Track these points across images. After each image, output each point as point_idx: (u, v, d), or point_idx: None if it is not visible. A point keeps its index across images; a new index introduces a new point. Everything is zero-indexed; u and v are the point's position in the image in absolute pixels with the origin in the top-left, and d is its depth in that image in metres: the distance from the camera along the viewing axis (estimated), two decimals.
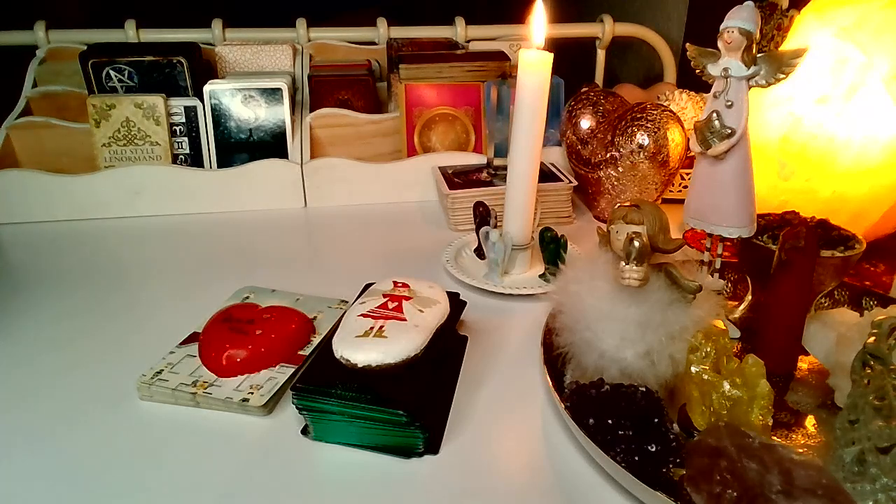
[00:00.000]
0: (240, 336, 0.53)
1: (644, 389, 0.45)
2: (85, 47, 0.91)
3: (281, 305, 0.60)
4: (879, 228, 0.70)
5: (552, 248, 0.67)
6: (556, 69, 0.66)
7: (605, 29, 1.20)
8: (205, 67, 0.97)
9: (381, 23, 1.12)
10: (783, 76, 0.51)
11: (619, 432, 0.43)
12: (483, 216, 0.69)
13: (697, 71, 0.55)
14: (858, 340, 0.45)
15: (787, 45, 0.74)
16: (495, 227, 0.68)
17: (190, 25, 1.08)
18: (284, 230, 0.83)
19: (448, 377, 0.54)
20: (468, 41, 1.13)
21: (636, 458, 0.41)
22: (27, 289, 0.68)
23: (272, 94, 0.89)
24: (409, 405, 0.44)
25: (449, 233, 0.81)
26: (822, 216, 0.58)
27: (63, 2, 1.55)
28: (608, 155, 0.79)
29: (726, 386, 0.44)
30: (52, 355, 0.57)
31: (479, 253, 0.71)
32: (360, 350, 0.46)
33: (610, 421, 0.43)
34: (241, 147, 0.91)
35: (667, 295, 0.47)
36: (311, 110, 0.94)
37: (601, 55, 1.24)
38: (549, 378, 0.50)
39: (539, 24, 0.62)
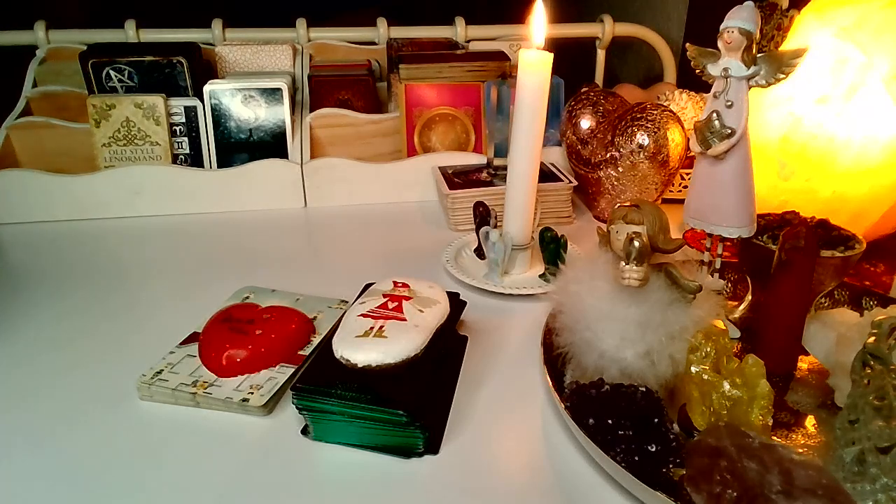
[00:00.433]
0: (240, 336, 0.53)
1: (644, 389, 0.45)
2: (85, 47, 0.91)
3: (281, 305, 0.60)
4: (879, 228, 0.70)
5: (552, 248, 0.67)
6: (556, 69, 0.66)
7: (605, 29, 1.20)
8: (205, 67, 0.97)
9: (381, 23, 1.12)
10: (783, 76, 0.51)
11: (619, 432, 0.43)
12: (483, 216, 0.69)
13: (697, 71, 0.55)
14: (858, 340, 0.45)
15: (787, 45, 0.74)
16: (495, 227, 0.68)
17: (190, 25, 1.08)
18: (284, 230, 0.83)
19: (448, 377, 0.54)
20: (468, 41, 1.13)
21: (636, 458, 0.41)
22: (27, 289, 0.68)
23: (272, 94, 0.89)
24: (409, 405, 0.44)
25: (449, 233, 0.81)
26: (822, 216, 0.58)
27: (63, 2, 1.55)
28: (608, 155, 0.79)
29: (726, 386, 0.44)
30: (52, 355, 0.57)
31: (479, 253, 0.72)
32: (360, 350, 0.46)
33: (610, 421, 0.43)
34: (241, 147, 0.91)
35: (667, 295, 0.47)
36: (311, 110, 0.94)
37: (601, 55, 1.24)
38: (549, 378, 0.50)
39: (539, 24, 0.62)
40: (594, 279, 0.49)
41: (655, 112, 0.77)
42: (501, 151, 0.82)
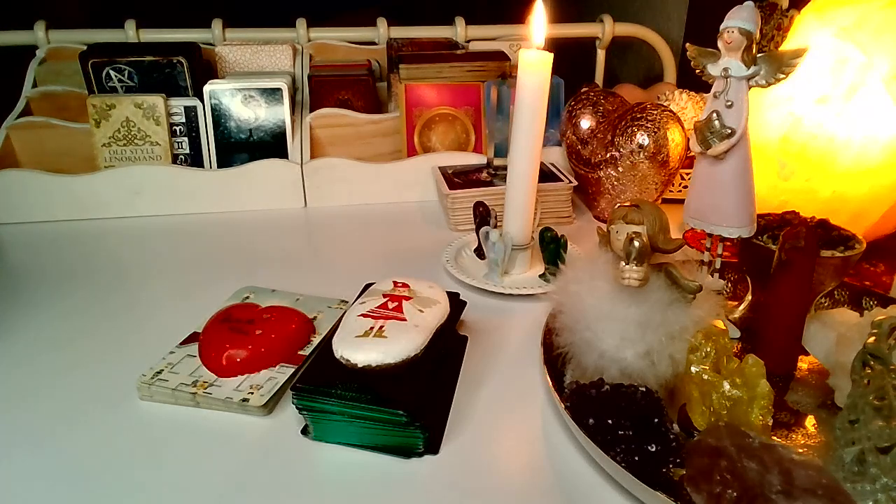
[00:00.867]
0: (240, 336, 0.53)
1: (644, 389, 0.45)
2: (85, 47, 0.91)
3: (281, 305, 0.60)
4: (879, 228, 0.70)
5: (552, 248, 0.67)
6: (556, 69, 0.66)
7: (605, 29, 1.20)
8: (205, 67, 0.97)
9: (381, 23, 1.12)
10: (783, 76, 0.51)
11: (619, 432, 0.43)
12: (483, 216, 0.69)
13: (697, 71, 0.55)
14: (858, 340, 0.45)
15: (787, 45, 0.74)
16: (495, 227, 0.68)
17: (190, 25, 1.08)
18: (284, 230, 0.83)
19: (448, 377, 0.54)
20: (468, 41, 1.13)
21: (636, 458, 0.41)
22: (27, 289, 0.68)
23: (272, 94, 0.89)
24: (409, 405, 0.44)
25: (449, 233, 0.81)
26: (822, 216, 0.58)
27: (63, 2, 1.55)
28: (608, 155, 0.79)
29: (726, 386, 0.44)
30: (52, 355, 0.57)
31: (479, 253, 0.72)
32: (360, 350, 0.46)
33: (610, 421, 0.43)
34: (241, 147, 0.91)
35: (667, 295, 0.47)
36: (311, 110, 0.94)
37: (601, 55, 1.24)
38: (549, 378, 0.50)
39: (539, 24, 0.62)
40: (594, 279, 0.49)
41: (655, 112, 0.77)
42: (501, 151, 0.82)
